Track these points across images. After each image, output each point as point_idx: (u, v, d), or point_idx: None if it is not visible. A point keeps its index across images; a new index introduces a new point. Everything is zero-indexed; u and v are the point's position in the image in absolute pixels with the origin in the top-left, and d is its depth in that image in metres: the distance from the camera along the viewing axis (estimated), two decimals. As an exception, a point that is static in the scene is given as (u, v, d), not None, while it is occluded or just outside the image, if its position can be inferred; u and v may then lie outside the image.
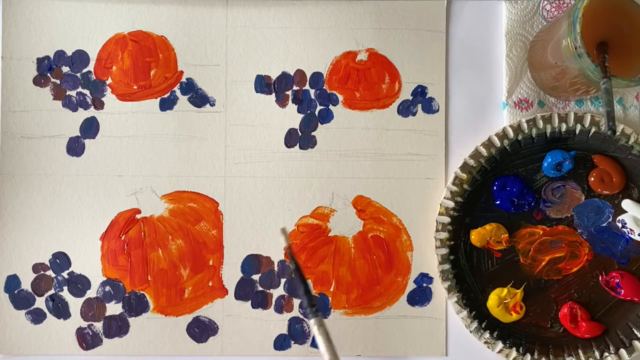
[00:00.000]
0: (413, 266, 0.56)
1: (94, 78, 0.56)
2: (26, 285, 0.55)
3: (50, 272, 0.56)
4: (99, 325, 0.55)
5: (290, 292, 0.56)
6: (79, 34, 0.56)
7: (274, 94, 0.56)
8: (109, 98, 0.56)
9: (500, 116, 0.56)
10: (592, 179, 0.55)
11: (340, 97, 0.56)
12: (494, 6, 0.57)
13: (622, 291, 0.54)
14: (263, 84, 0.56)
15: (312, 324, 0.46)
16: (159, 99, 0.56)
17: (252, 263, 0.56)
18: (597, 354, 0.54)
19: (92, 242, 0.56)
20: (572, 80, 0.50)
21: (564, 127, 0.54)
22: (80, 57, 0.56)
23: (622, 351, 0.53)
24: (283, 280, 0.56)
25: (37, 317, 0.55)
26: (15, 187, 0.56)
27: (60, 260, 0.56)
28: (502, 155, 0.55)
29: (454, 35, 0.57)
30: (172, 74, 0.56)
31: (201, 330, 0.55)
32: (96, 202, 0.56)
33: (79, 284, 0.56)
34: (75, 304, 0.55)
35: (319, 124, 0.56)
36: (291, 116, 0.56)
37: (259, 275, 0.56)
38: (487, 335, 0.54)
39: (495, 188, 0.55)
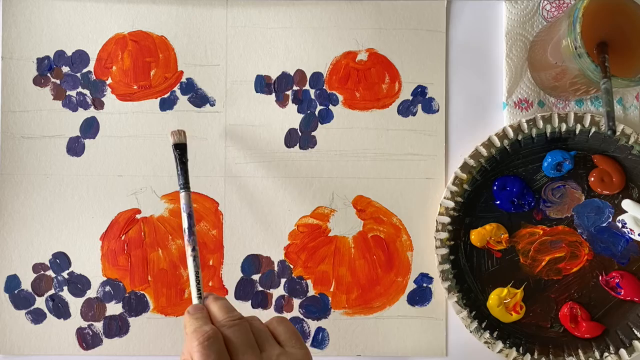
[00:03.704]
0: (413, 266, 0.56)
1: (94, 78, 0.56)
2: (26, 285, 0.55)
3: (50, 272, 0.55)
4: (99, 325, 0.55)
5: (290, 292, 0.56)
6: (79, 34, 0.56)
7: (274, 94, 0.56)
8: (109, 98, 0.56)
9: (500, 116, 0.56)
10: (592, 179, 0.55)
11: (340, 97, 0.56)
12: (494, 6, 0.57)
13: (622, 291, 0.54)
14: (263, 84, 0.56)
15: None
16: (159, 99, 0.56)
17: (252, 263, 0.56)
18: (597, 354, 0.54)
19: (92, 242, 0.56)
20: (572, 80, 0.50)
21: (564, 127, 0.54)
22: (80, 57, 0.56)
23: (622, 351, 0.53)
24: (283, 280, 0.56)
25: (37, 317, 0.55)
26: (15, 187, 0.56)
27: (60, 260, 0.55)
28: (502, 155, 0.55)
29: (454, 35, 0.57)
30: (172, 74, 0.56)
31: (201, 330, 0.55)
32: (96, 202, 0.56)
33: (79, 284, 0.56)
34: (75, 304, 0.55)
35: (319, 124, 0.56)
36: (291, 116, 0.56)
37: (259, 275, 0.56)
38: (487, 335, 0.54)
39: (495, 188, 0.55)
